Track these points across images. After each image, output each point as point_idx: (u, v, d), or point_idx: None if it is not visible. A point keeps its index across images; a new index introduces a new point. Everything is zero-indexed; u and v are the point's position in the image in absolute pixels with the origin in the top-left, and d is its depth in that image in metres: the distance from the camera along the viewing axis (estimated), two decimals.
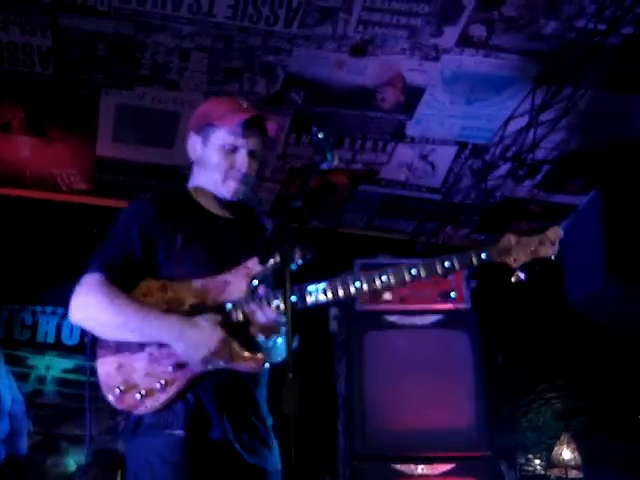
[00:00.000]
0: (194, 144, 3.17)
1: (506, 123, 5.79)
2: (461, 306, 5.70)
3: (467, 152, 6.17)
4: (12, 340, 6.68)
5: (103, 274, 2.83)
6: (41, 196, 6.57)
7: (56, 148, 6.14)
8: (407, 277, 2.91)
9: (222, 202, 3.13)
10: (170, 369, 2.81)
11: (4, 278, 6.36)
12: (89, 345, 2.89)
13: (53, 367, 6.67)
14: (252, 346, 2.86)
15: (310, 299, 2.85)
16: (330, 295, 2.87)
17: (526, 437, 7.38)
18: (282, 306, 2.78)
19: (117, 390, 2.79)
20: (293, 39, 5.18)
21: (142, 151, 6.19)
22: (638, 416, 6.86)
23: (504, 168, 6.10)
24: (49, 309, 6.81)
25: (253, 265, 2.92)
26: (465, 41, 5.22)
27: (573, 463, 7.03)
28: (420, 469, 5.32)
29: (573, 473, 7.04)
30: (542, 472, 7.29)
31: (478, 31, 5.16)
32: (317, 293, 2.86)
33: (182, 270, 2.91)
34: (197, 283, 2.88)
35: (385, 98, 5.67)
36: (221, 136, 3.09)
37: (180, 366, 2.81)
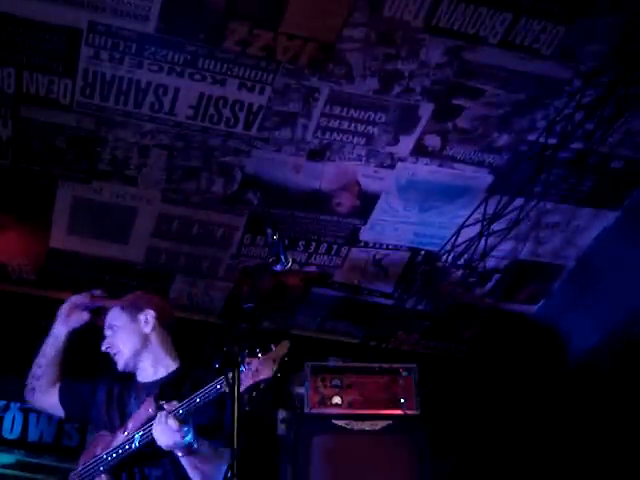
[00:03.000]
0: None
1: (458, 231, 5.88)
2: (410, 412, 5.67)
3: (419, 259, 6.23)
4: None
5: None
6: None
7: (9, 237, 6.08)
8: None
9: None
10: None
11: None
12: None
13: None
14: None
15: (135, 444, 3.34)
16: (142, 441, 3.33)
17: None
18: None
19: None
20: (252, 141, 5.26)
21: (96, 245, 6.15)
22: None
23: (455, 275, 6.17)
24: None
25: (132, 422, 3.43)
26: (420, 150, 5.35)
27: None
28: None
29: None
30: None
31: (433, 141, 5.29)
32: (136, 440, 3.37)
33: None
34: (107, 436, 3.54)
35: (341, 203, 5.75)
36: None
37: None
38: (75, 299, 3.75)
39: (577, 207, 5.78)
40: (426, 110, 5.11)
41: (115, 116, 5.08)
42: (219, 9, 4.52)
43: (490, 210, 5.62)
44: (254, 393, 2.96)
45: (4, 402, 6.60)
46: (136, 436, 3.27)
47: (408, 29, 4.65)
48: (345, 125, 5.17)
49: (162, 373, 3.61)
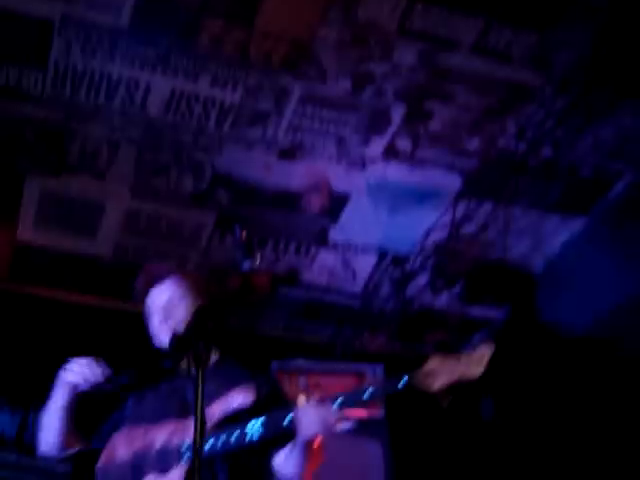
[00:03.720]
0: None
1: (427, 234, 5.90)
2: (375, 413, 5.67)
3: (387, 260, 6.24)
4: None
5: None
6: None
7: None
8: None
9: None
10: None
11: None
12: None
13: None
14: None
15: (248, 435, 2.94)
16: (265, 430, 2.95)
17: None
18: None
19: None
20: (223, 139, 5.25)
21: (64, 239, 6.10)
22: None
23: (423, 278, 6.19)
24: None
25: (211, 412, 3.04)
26: (391, 152, 5.36)
27: None
28: None
29: None
30: None
31: (404, 143, 5.31)
32: (254, 429, 2.94)
33: None
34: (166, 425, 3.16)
35: (311, 202, 5.75)
36: None
37: None
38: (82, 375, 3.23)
39: (546, 212, 5.81)
40: (398, 112, 5.12)
41: (86, 109, 5.05)
42: (193, 4, 4.51)
43: (459, 213, 5.64)
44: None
45: None
46: (254, 425, 2.97)
47: (382, 31, 4.67)
48: (317, 125, 5.17)
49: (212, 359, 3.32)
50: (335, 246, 6.16)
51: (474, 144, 5.31)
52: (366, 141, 5.29)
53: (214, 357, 3.33)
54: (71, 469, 3.30)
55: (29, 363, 6.40)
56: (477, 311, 6.75)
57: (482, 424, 6.22)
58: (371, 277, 6.43)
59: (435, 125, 5.20)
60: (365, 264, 6.32)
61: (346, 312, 6.80)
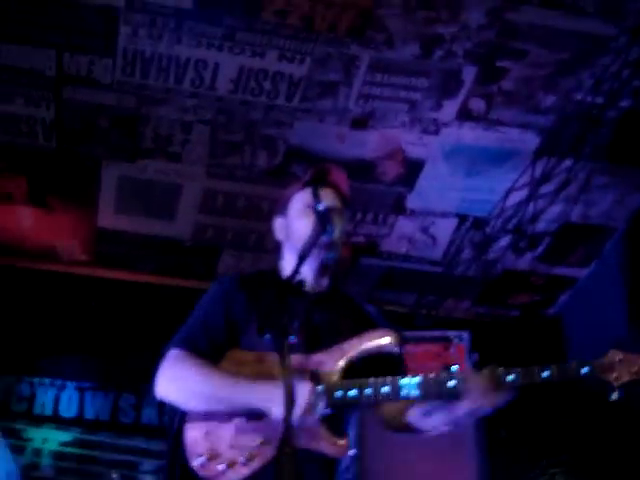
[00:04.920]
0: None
1: (506, 195, 5.81)
2: None
3: (467, 224, 6.17)
4: (9, 412, 6.58)
5: (186, 349, 2.80)
6: (41, 267, 6.55)
7: (57, 219, 6.15)
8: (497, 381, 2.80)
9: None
10: (256, 443, 2.71)
11: (2, 349, 6.31)
12: (170, 424, 2.83)
13: (50, 440, 6.56)
14: (338, 431, 2.77)
15: (402, 393, 2.75)
16: (422, 391, 2.76)
17: None
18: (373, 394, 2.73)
19: (202, 458, 2.71)
20: (294, 112, 5.23)
21: (144, 223, 6.19)
22: None
23: (505, 240, 6.10)
24: (47, 380, 6.73)
25: (348, 348, 2.85)
26: (465, 114, 5.28)
27: None
28: None
29: None
30: None
31: (477, 105, 5.22)
32: (409, 388, 2.75)
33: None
34: (292, 360, 2.60)
35: (385, 171, 5.70)
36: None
37: (266, 442, 2.71)
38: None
39: (627, 167, 5.66)
40: (469, 73, 5.03)
41: (156, 93, 5.09)
42: None
43: (538, 173, 5.54)
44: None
45: (60, 381, 6.70)
46: (409, 382, 2.74)
47: None
48: (387, 92, 5.11)
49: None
50: (413, 213, 6.11)
51: (550, 100, 5.19)
52: (438, 105, 5.21)
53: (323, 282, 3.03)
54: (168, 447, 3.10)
55: (116, 346, 6.53)
56: (562, 270, 6.64)
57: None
58: (451, 242, 6.37)
59: (508, 84, 5.09)
60: (445, 230, 6.26)
61: (428, 279, 6.75)
